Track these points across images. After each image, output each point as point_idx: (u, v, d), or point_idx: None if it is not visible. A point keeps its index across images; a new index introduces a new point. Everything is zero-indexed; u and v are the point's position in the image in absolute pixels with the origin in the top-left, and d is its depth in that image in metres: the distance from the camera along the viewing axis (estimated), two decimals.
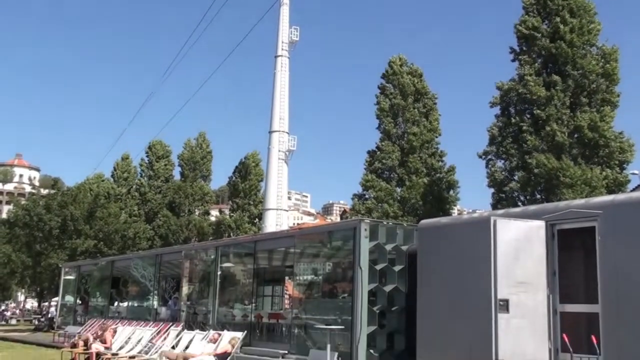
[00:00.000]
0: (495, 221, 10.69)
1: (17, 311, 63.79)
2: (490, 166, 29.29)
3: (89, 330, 19.41)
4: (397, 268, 14.10)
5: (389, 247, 14.21)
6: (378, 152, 36.23)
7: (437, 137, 36.61)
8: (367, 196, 35.86)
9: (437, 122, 36.93)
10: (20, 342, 25.67)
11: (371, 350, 13.36)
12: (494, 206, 27.56)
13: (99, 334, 17.00)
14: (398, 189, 35.31)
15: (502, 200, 27.94)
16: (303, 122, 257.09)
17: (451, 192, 35.64)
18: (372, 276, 13.74)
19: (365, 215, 30.17)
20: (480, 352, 10.23)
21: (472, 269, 10.98)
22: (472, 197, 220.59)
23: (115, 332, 16.99)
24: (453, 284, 11.42)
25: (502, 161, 29.08)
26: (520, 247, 10.60)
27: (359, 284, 13.46)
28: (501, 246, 10.53)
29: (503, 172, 28.62)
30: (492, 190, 29.14)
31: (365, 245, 13.75)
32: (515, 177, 28.12)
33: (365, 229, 13.84)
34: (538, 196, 26.64)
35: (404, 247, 14.30)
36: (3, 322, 49.86)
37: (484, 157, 29.65)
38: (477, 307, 10.62)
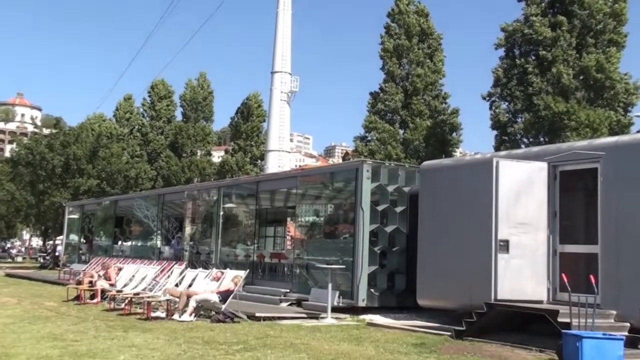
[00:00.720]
0: (497, 162, 10.66)
1: (23, 249, 64.65)
2: (494, 108, 29.01)
3: (94, 268, 19.66)
4: (398, 209, 14.18)
5: (390, 188, 14.25)
6: (381, 94, 35.83)
7: (441, 78, 36.11)
8: (369, 138, 35.70)
9: (442, 64, 36.35)
10: (26, 279, 26.07)
11: (372, 290, 13.57)
12: (497, 148, 27.44)
13: (103, 272, 17.22)
14: (401, 131, 35.11)
15: (505, 142, 27.80)
16: (306, 64, 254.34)
17: (454, 134, 35.43)
18: (374, 217, 13.83)
19: (367, 157, 30.09)
20: (480, 291, 10.37)
21: (473, 210, 11.02)
22: (475, 140, 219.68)
23: (119, 270, 17.18)
24: (454, 224, 11.47)
25: (507, 103, 28.78)
26: (521, 188, 10.59)
27: (360, 225, 13.56)
28: (503, 187, 10.53)
29: (507, 114, 28.37)
30: (495, 132, 28.97)
31: (367, 186, 13.78)
32: (520, 120, 27.89)
33: (368, 170, 13.85)
34: (542, 139, 26.47)
35: (406, 189, 14.33)
36: (9, 260, 50.58)
37: (488, 98, 29.34)
38: (477, 247, 10.71)
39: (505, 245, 10.38)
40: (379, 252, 13.88)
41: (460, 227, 11.29)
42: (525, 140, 27.74)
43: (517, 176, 10.65)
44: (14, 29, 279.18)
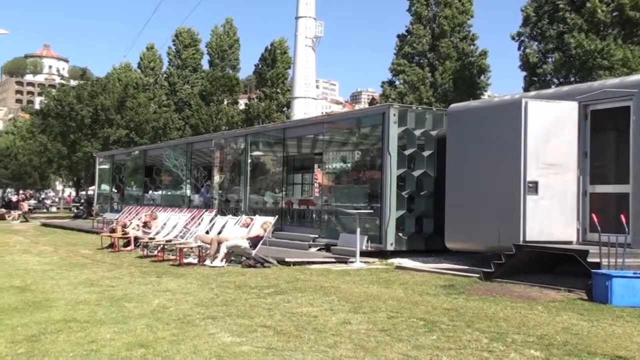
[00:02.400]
0: (526, 103, 10.48)
1: (57, 199, 66.15)
2: (523, 48, 28.33)
3: (126, 217, 20.07)
4: (426, 153, 14.10)
5: (418, 132, 14.14)
6: (408, 36, 35.18)
7: (469, 19, 35.25)
8: (396, 82, 35.28)
9: (470, 4, 35.40)
10: (61, 228, 26.80)
11: (400, 234, 13.66)
12: (526, 90, 26.92)
13: (142, 221, 17.51)
14: (429, 74, 34.59)
15: (535, 83, 27.24)
16: (330, 8, 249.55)
17: (482, 77, 34.81)
18: (401, 161, 13.79)
19: (395, 101, 29.80)
20: (508, 233, 10.37)
21: (501, 152, 10.91)
22: (504, 83, 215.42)
23: (154, 218, 17.36)
24: (482, 167, 11.39)
25: (537, 43, 28.07)
26: (551, 128, 10.43)
27: (387, 170, 13.54)
28: (532, 128, 10.38)
29: (537, 55, 27.69)
30: (525, 73, 28.38)
31: (394, 130, 13.69)
32: (550, 60, 27.23)
33: (394, 115, 13.74)
34: (573, 79, 25.86)
35: (433, 132, 14.22)
36: (44, 210, 51.86)
37: (517, 38, 28.63)
38: (506, 189, 10.65)
39: (534, 187, 10.30)
40: (406, 196, 13.89)
41: (489, 169, 11.21)
42: (555, 80, 27.16)
43: (546, 116, 10.47)
44: None
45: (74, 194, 56.67)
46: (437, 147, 13.80)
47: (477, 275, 10.27)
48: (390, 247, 13.38)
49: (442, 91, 33.58)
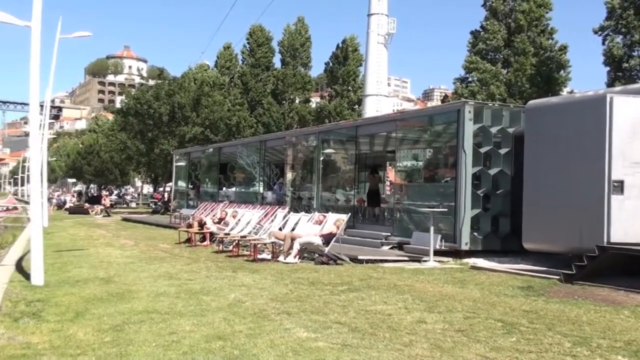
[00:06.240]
0: (611, 98, 10.05)
1: (136, 195, 68.48)
2: (607, 42, 27.17)
3: (202, 213, 20.56)
4: (502, 151, 13.77)
5: (494, 129, 13.82)
6: (482, 32, 34.39)
7: (547, 12, 34.07)
8: (470, 79, 34.57)
9: None
10: (140, 222, 27.74)
11: (475, 233, 13.39)
12: (610, 85, 25.81)
13: (218, 217, 17.91)
14: (503, 71, 33.71)
15: (620, 79, 26.09)
16: (403, 4, 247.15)
17: (561, 72, 33.59)
18: (476, 159, 13.52)
19: (468, 98, 29.22)
20: (591, 234, 9.98)
21: (584, 150, 10.51)
22: (585, 79, 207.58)
23: (235, 216, 17.61)
24: (563, 165, 11.01)
25: (621, 36, 26.87)
26: (638, 125, 9.97)
27: (462, 168, 13.30)
28: (617, 125, 9.95)
29: (622, 49, 26.50)
30: (608, 68, 27.24)
31: (469, 128, 13.43)
32: (636, 53, 26.03)
33: (470, 112, 13.47)
34: None
35: (510, 130, 13.86)
36: (124, 205, 53.82)
37: (600, 32, 27.51)
38: (588, 189, 10.26)
39: (619, 186, 9.88)
40: (482, 195, 13.60)
41: (570, 168, 10.82)
42: None
43: (633, 113, 10.02)
44: None
45: (151, 190, 58.55)
46: (515, 144, 13.44)
47: (557, 277, 9.93)
48: (465, 247, 13.13)
49: (517, 88, 32.65)
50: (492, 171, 13.74)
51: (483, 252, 13.26)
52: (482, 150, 13.68)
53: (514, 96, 31.54)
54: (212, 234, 16.64)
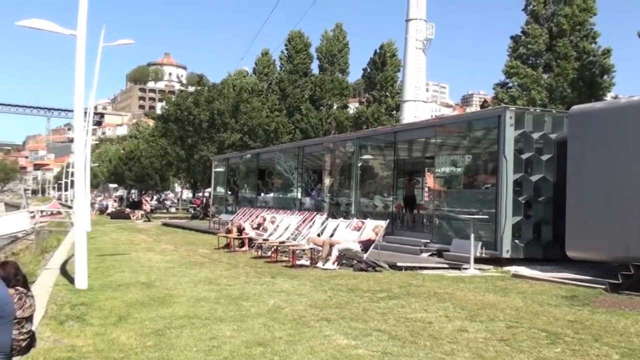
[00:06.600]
0: None
1: (176, 200, 69.37)
2: None
3: (240, 218, 20.71)
4: (544, 157, 13.52)
5: (536, 135, 13.59)
6: (523, 37, 33.87)
7: (591, 17, 33.36)
8: (510, 84, 34.07)
9: (593, 1, 33.52)
10: (180, 228, 28.11)
11: (516, 241, 13.16)
12: None
13: (256, 223, 18.01)
14: (545, 76, 33.12)
15: None
16: (441, 9, 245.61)
17: (605, 77, 32.83)
18: (518, 166, 13.31)
19: (508, 104, 28.80)
20: (638, 243, 9.70)
21: (631, 156, 10.24)
22: (629, 84, 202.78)
23: (273, 221, 17.67)
24: (608, 172, 10.74)
25: None
26: None
27: (503, 174, 13.11)
28: None
29: None
30: None
31: (510, 133, 13.24)
32: None
33: (511, 117, 13.28)
34: None
35: (553, 135, 13.61)
36: (164, 210, 54.59)
37: None
38: (635, 196, 9.98)
39: None
40: (523, 202, 13.37)
41: (616, 174, 10.55)
42: None
43: None
44: None
45: (190, 195, 59.25)
46: (557, 150, 13.18)
47: (602, 287, 9.70)
48: (506, 254, 12.92)
49: (558, 93, 32.03)
50: (534, 178, 13.51)
51: (524, 260, 13.04)
52: (524, 156, 13.47)
53: (555, 101, 30.95)
54: (250, 239, 16.74)
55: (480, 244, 13.05)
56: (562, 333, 6.49)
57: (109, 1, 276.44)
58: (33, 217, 34.90)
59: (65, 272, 11.21)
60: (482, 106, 64.43)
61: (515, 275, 11.64)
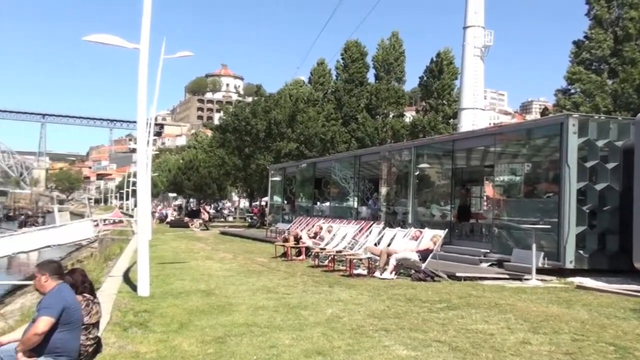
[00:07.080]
0: None
1: (233, 209, 70.36)
2: None
3: (297, 227, 20.83)
4: (610, 165, 13.10)
5: (600, 143, 13.19)
6: (586, 42, 32.94)
7: None
8: (572, 91, 33.17)
9: None
10: (237, 236, 28.47)
11: (580, 251, 12.77)
12: None
13: (315, 231, 18.07)
14: (609, 82, 32.08)
15: None
16: (500, 16, 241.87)
17: None
18: (581, 174, 12.93)
19: (571, 111, 28.04)
20: None
21: None
22: None
23: (330, 231, 17.69)
24: None
25: None
26: None
27: (566, 183, 12.76)
28: None
29: None
30: None
31: (573, 141, 12.88)
32: None
33: (574, 125, 12.93)
34: None
35: (618, 143, 13.17)
36: (222, 219, 55.42)
37: None
38: None
39: None
40: (587, 211, 12.97)
41: None
42: None
43: None
44: (217, 9, 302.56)
45: (247, 204, 59.96)
46: (624, 158, 12.75)
47: None
48: (569, 265, 12.55)
49: (624, 99, 30.97)
50: (599, 186, 13.10)
51: (589, 271, 12.64)
52: (588, 164, 13.08)
53: (620, 108, 29.94)
54: (307, 248, 16.79)
55: (542, 254, 12.72)
56: (631, 347, 6.25)
57: (168, 15, 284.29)
58: (96, 225, 35.96)
59: (128, 279, 11.51)
60: (542, 113, 63.02)
61: (580, 287, 11.29)
